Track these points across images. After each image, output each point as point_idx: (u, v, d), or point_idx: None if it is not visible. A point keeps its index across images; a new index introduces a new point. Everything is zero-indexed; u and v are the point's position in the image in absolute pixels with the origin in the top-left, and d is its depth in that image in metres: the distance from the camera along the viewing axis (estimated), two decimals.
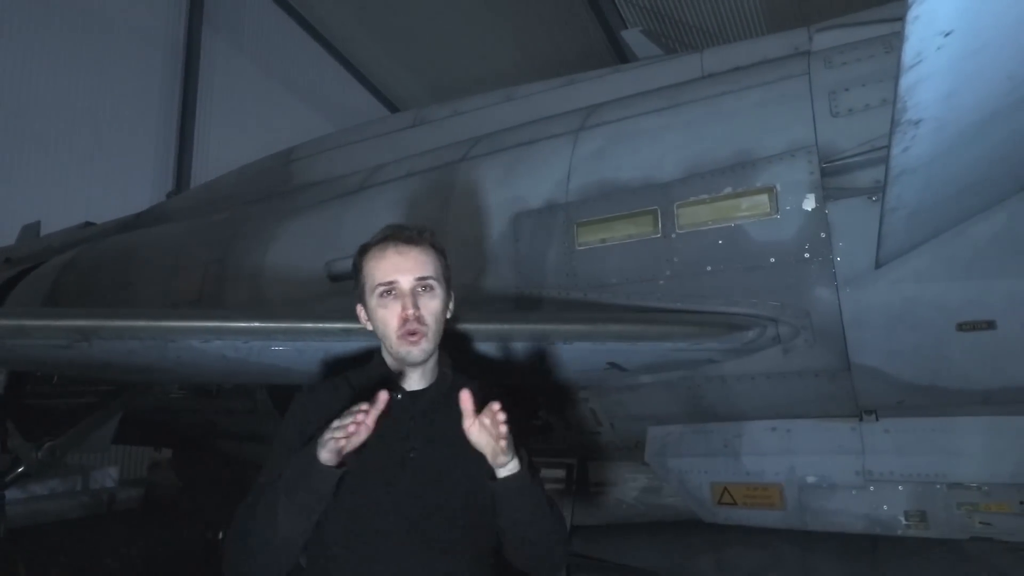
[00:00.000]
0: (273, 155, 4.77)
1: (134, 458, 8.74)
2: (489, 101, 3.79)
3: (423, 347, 1.46)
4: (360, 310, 1.57)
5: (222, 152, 10.90)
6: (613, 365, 2.61)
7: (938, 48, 1.16)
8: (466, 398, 1.31)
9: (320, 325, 2.19)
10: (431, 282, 1.49)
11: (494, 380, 1.69)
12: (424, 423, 1.50)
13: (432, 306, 1.48)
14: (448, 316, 1.56)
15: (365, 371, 1.60)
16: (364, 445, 1.30)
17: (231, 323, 2.16)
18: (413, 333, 1.44)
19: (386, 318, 1.47)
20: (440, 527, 1.42)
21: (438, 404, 1.53)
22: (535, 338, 2.38)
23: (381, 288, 1.48)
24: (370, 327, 1.54)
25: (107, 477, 7.90)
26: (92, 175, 9.55)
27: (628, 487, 3.25)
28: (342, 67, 14.58)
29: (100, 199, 8.78)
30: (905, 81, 1.25)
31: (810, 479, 2.59)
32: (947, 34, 1.12)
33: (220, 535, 4.95)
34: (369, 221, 3.41)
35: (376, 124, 4.40)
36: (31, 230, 6.80)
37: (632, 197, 2.76)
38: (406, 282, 1.47)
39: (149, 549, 5.34)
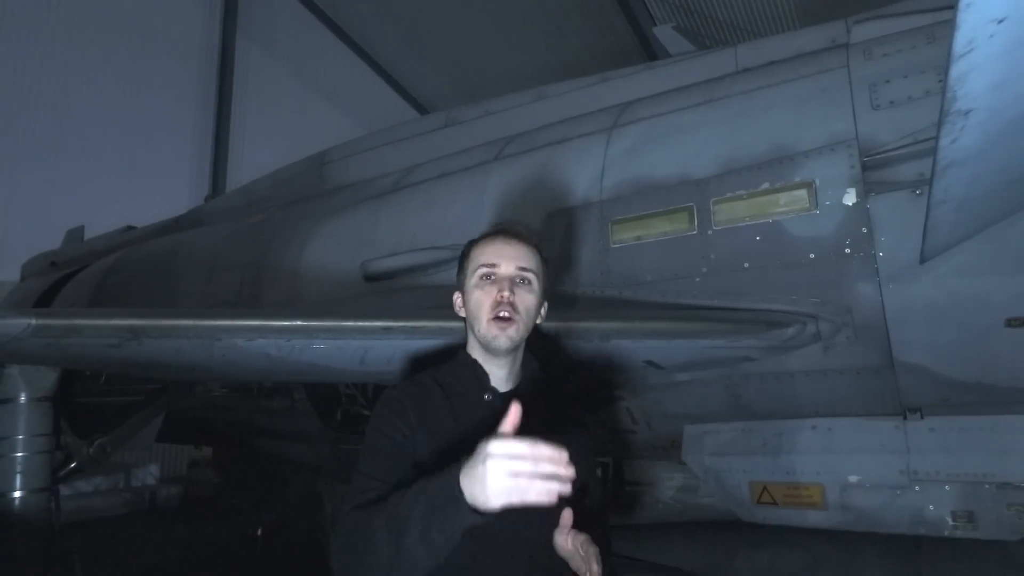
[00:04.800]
0: (307, 158, 4.86)
1: (173, 456, 8.95)
2: (520, 101, 3.80)
3: (510, 334, 1.44)
4: (456, 296, 1.57)
5: (257, 156, 11.10)
6: (650, 363, 2.60)
7: (990, 36, 1.14)
8: (567, 516, 1.28)
9: (360, 323, 2.22)
10: (531, 275, 1.49)
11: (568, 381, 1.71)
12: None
13: (527, 299, 1.48)
14: (539, 320, 1.55)
15: (451, 369, 1.57)
16: None
17: (275, 322, 2.21)
18: (505, 318, 1.44)
19: (480, 299, 1.47)
20: (540, 530, 1.41)
21: (530, 406, 1.49)
22: (572, 336, 2.39)
23: (483, 270, 1.48)
24: (462, 312, 1.54)
25: (148, 475, 8.13)
26: (133, 180, 9.81)
27: (664, 486, 3.23)
28: (372, 70, 14.76)
29: (140, 203, 8.97)
30: (955, 70, 1.23)
31: (853, 478, 2.54)
32: (1000, 21, 1.10)
33: (259, 531, 5.04)
34: (403, 222, 3.48)
35: (408, 126, 4.45)
36: (75, 234, 7.01)
37: (667, 194, 2.74)
38: (507, 268, 1.47)
39: (191, 545, 5.47)
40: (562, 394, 1.66)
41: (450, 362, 1.59)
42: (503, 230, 1.54)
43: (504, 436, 1.09)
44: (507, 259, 1.48)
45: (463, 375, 1.53)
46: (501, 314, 1.43)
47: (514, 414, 1.11)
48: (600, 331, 2.37)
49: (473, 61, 13.89)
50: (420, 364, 2.36)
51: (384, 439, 1.42)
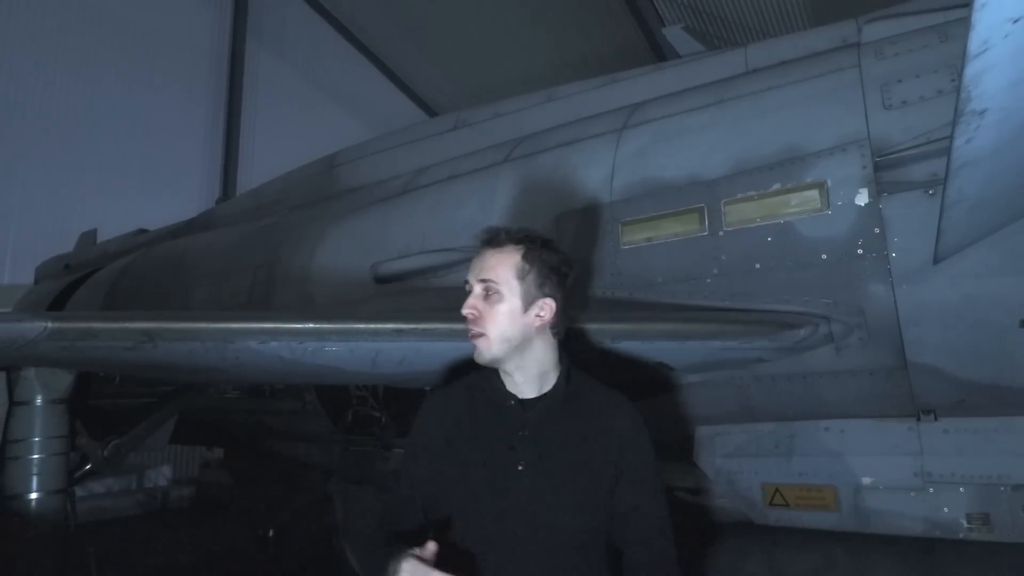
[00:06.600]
0: (317, 161, 4.88)
1: (186, 458, 9.01)
2: (530, 102, 3.81)
3: (481, 347, 1.47)
4: None
5: (267, 159, 11.18)
6: (661, 365, 2.59)
7: (1006, 36, 1.13)
8: None
9: (372, 326, 2.23)
10: (491, 285, 1.46)
11: (615, 383, 1.65)
12: (535, 434, 1.46)
13: (492, 311, 1.46)
14: (539, 322, 1.48)
15: (483, 376, 1.57)
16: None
17: (287, 324, 2.21)
18: (473, 335, 1.47)
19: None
20: (550, 542, 1.40)
21: (552, 414, 1.49)
22: (581, 338, 2.38)
23: (466, 286, 1.52)
24: None
25: (161, 476, 8.19)
26: (144, 184, 9.91)
27: (676, 488, 3.22)
28: (381, 73, 14.84)
29: (152, 207, 9.08)
30: (970, 70, 1.22)
31: (866, 480, 2.53)
32: (1016, 20, 1.09)
33: (270, 532, 5.07)
34: (413, 224, 3.49)
35: (417, 128, 4.46)
36: (88, 237, 7.08)
37: (677, 195, 2.73)
38: (474, 282, 1.50)
39: (203, 546, 5.50)
40: (614, 399, 1.58)
41: (486, 368, 1.58)
42: (483, 239, 1.53)
43: (419, 559, 1.25)
44: (474, 272, 1.49)
45: (488, 386, 1.55)
46: (469, 329, 1.48)
47: (430, 550, 1.26)
48: (610, 333, 2.37)
49: (482, 63, 13.92)
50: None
51: (411, 457, 1.57)
